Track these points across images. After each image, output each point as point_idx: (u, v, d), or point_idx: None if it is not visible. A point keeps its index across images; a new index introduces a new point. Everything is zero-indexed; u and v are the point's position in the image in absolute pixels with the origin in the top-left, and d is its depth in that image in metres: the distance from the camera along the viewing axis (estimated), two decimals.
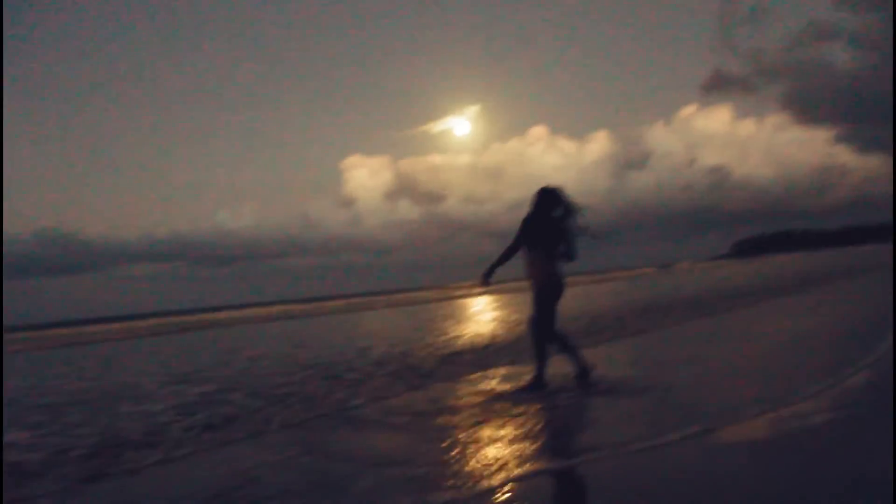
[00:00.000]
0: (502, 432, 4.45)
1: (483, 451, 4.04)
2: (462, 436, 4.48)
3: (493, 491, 3.32)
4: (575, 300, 21.38)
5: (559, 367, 6.09)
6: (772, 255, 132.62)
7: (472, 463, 3.82)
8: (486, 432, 4.51)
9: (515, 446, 4.09)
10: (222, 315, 47.75)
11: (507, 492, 3.30)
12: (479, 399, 5.67)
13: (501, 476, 3.53)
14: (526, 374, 6.26)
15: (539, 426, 4.62)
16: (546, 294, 5.74)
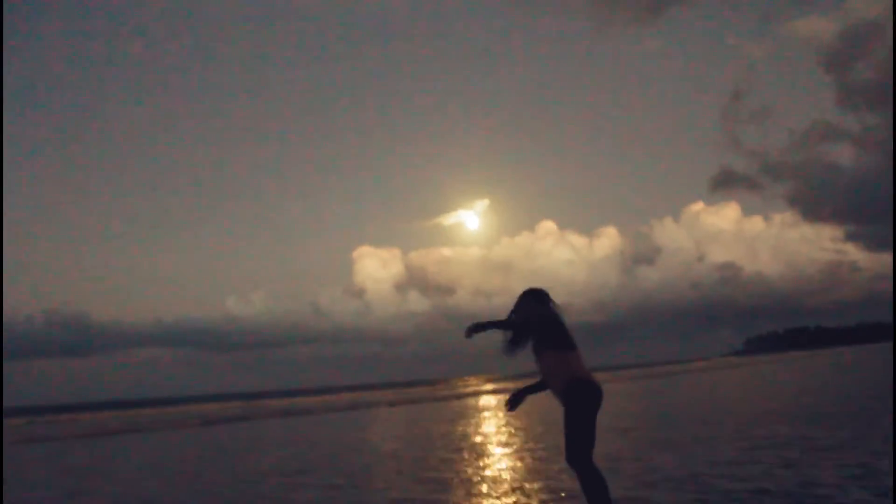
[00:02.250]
0: None
1: None
2: None
3: None
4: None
5: None
6: (784, 352, 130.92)
7: None
8: None
9: None
10: (226, 405, 47.14)
11: None
12: None
13: None
14: None
15: None
16: (590, 403, 4.45)
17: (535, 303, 4.84)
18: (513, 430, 11.81)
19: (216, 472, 9.29)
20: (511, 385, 47.37)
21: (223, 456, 11.78)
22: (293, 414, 26.27)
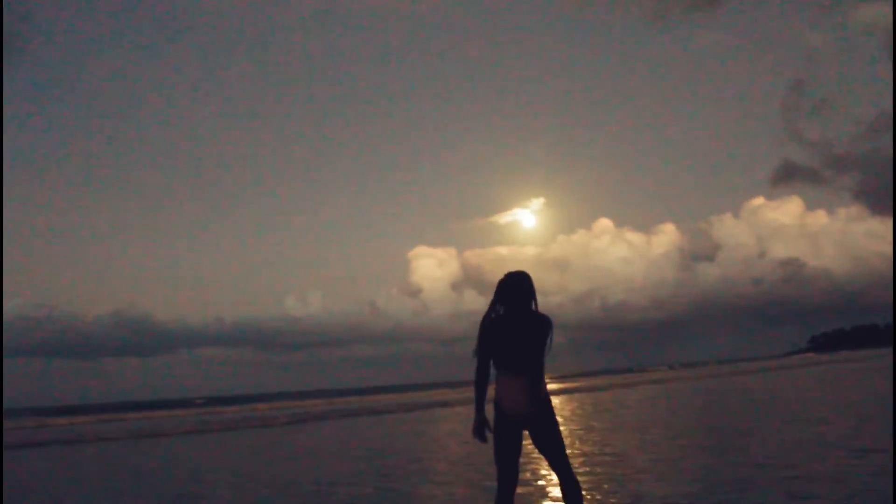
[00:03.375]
0: None
1: None
2: None
3: None
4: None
5: None
6: (852, 350, 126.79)
7: None
8: None
9: None
10: (301, 403, 48.27)
11: None
12: None
13: None
14: None
15: None
16: (496, 425, 4.29)
17: (530, 296, 4.37)
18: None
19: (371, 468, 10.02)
20: (562, 383, 47.49)
21: (355, 450, 12.52)
22: (372, 412, 27.09)
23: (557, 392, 34.94)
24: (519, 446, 4.18)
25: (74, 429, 29.89)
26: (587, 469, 7.82)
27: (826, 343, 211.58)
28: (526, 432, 4.24)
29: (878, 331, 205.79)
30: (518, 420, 4.16)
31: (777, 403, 15.88)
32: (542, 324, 4.28)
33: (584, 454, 9.15)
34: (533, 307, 4.33)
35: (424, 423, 19.75)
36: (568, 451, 4.21)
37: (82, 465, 14.27)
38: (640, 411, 16.70)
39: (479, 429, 4.16)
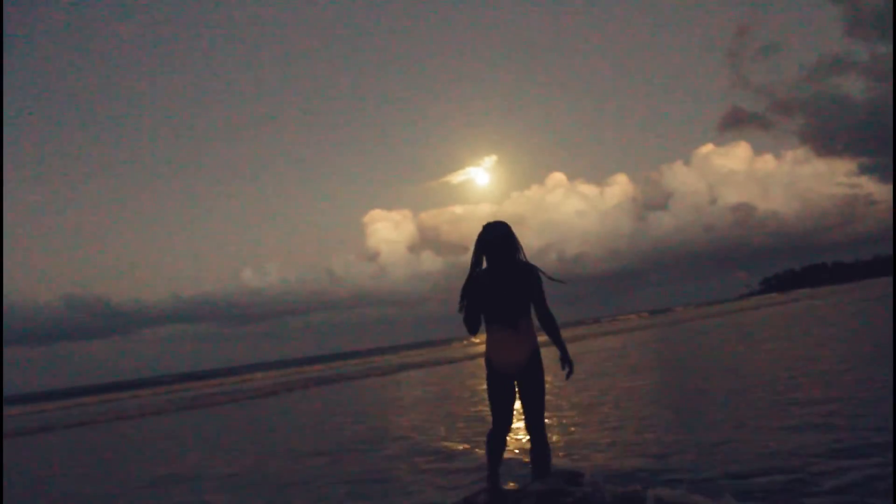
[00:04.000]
0: None
1: None
2: None
3: None
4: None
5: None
6: (802, 289, 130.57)
7: None
8: None
9: None
10: (267, 375, 47.70)
11: None
12: None
13: None
14: None
15: None
16: (488, 377, 4.42)
17: (514, 243, 4.29)
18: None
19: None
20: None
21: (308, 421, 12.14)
22: (337, 381, 26.72)
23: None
24: (512, 397, 4.26)
25: (39, 416, 29.00)
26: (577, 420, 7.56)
27: (778, 284, 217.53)
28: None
29: (827, 269, 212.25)
30: (509, 373, 4.19)
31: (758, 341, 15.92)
32: (529, 274, 4.17)
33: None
34: (519, 257, 4.22)
35: (405, 384, 19.46)
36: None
37: (56, 452, 13.65)
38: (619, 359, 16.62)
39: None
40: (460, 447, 7.09)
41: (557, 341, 4.27)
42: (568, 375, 4.25)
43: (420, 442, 7.84)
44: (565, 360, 4.27)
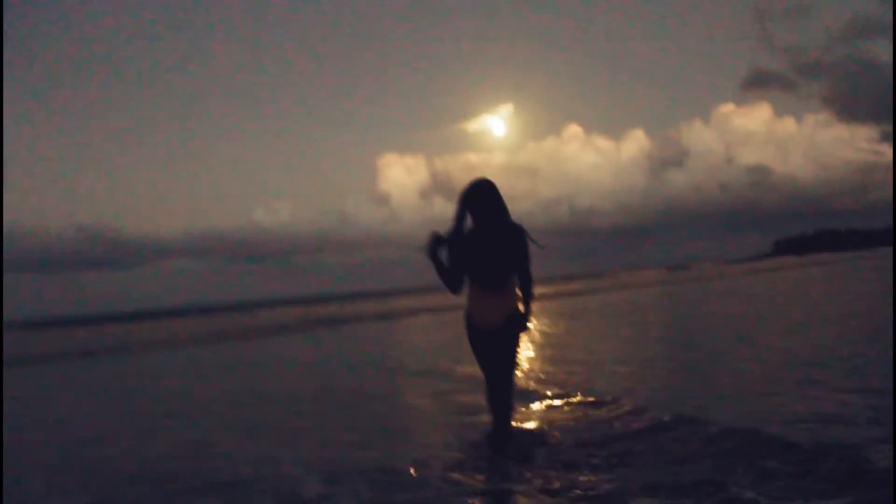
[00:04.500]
0: None
1: None
2: None
3: None
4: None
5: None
6: (813, 254, 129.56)
7: None
8: None
9: None
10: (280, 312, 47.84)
11: None
12: None
13: None
14: None
15: None
16: (468, 334, 4.53)
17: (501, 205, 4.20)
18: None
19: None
20: (539, 289, 47.53)
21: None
22: (347, 321, 26.67)
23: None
24: (495, 353, 4.29)
25: (44, 344, 29.10)
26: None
27: (790, 247, 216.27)
28: None
29: (840, 235, 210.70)
30: (488, 331, 4.25)
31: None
32: (517, 235, 4.15)
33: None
34: (507, 218, 4.15)
35: (422, 329, 19.37)
36: None
37: (58, 383, 13.63)
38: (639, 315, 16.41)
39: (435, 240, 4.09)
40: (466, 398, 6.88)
41: (528, 300, 4.35)
42: (522, 329, 4.33)
43: (431, 389, 7.67)
44: (525, 317, 4.35)
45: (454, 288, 4.24)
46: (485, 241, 4.10)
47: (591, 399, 6.10)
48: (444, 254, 4.15)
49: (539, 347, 10.64)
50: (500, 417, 4.40)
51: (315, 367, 11.55)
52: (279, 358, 14.47)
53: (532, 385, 7.05)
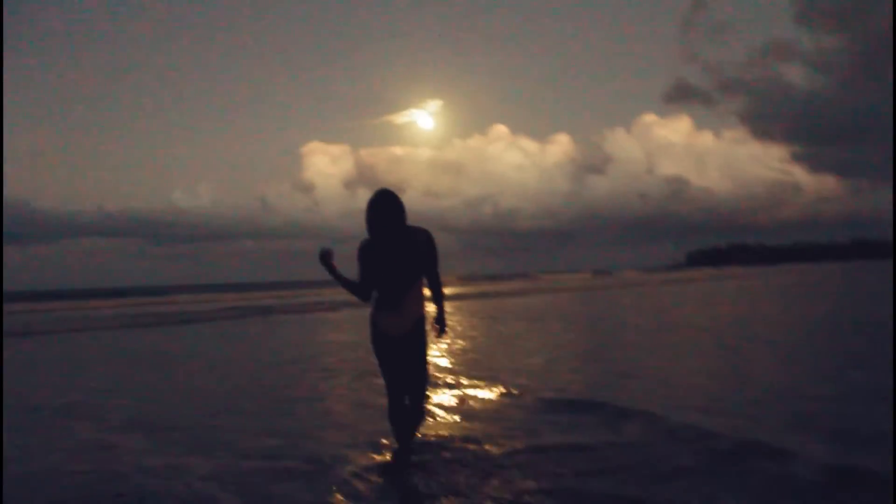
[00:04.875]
0: None
1: None
2: None
3: None
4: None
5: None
6: (724, 266, 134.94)
7: None
8: None
9: None
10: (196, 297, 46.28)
11: None
12: None
13: None
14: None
15: None
16: (373, 342, 4.47)
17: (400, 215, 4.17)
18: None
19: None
20: (462, 288, 47.67)
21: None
22: (266, 312, 25.83)
23: (452, 297, 34.60)
24: (400, 359, 4.29)
25: None
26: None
27: (703, 259, 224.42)
28: None
29: (750, 250, 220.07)
30: (395, 336, 4.23)
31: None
32: (419, 240, 4.18)
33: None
34: (404, 224, 4.13)
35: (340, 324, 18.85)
36: None
37: None
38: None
39: (326, 258, 4.16)
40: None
41: (439, 304, 4.40)
42: (439, 334, 4.46)
43: (336, 394, 7.30)
44: (441, 321, 4.42)
45: (362, 297, 4.30)
46: (387, 250, 4.13)
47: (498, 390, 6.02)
48: (340, 266, 4.22)
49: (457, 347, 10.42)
50: (406, 430, 4.47)
51: (230, 362, 10.97)
52: (190, 349, 13.77)
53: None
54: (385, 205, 4.08)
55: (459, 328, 14.41)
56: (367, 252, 4.17)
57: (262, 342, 14.67)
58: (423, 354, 4.36)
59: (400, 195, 4.13)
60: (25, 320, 24.86)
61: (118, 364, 11.36)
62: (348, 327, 17.18)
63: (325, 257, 4.16)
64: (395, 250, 4.13)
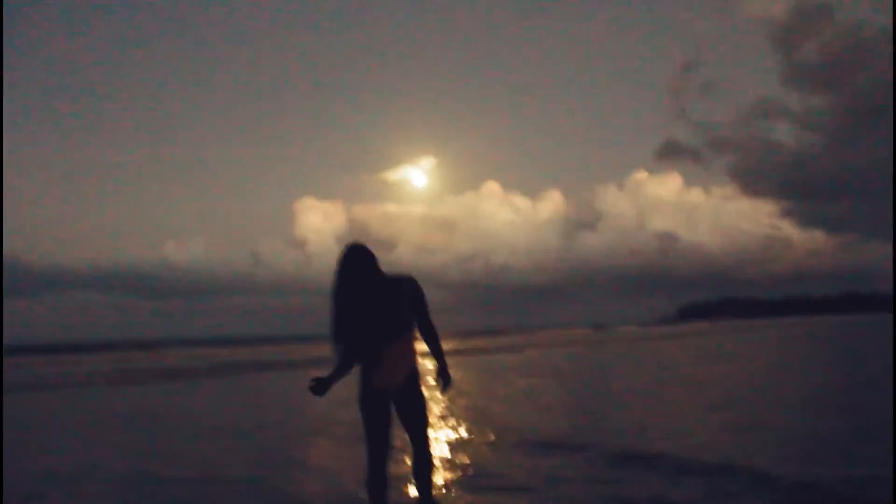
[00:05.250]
0: None
1: None
2: None
3: None
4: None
5: None
6: (717, 320, 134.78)
7: None
8: None
9: None
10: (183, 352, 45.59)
11: None
12: None
13: None
14: None
15: None
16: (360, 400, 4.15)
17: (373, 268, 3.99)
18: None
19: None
20: (450, 344, 47.06)
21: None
22: (260, 367, 25.24)
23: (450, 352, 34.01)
24: (389, 417, 4.02)
25: None
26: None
27: (693, 313, 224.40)
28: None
29: (740, 304, 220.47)
30: (385, 392, 3.97)
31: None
32: (402, 287, 3.94)
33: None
34: (377, 273, 3.93)
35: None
36: None
37: None
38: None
39: (318, 386, 3.91)
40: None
41: (438, 354, 4.08)
42: (444, 388, 4.08)
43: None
44: (443, 373, 4.06)
45: (348, 366, 4.03)
46: (365, 301, 3.87)
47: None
48: (327, 385, 3.95)
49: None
50: (423, 479, 4.10)
51: (212, 421, 10.50)
52: (174, 407, 13.26)
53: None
54: (360, 256, 3.92)
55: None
56: (339, 301, 3.91)
57: (252, 399, 14.18)
58: (424, 405, 4.11)
59: (391, 249, 3.88)
60: (9, 376, 24.07)
61: (97, 423, 10.86)
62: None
63: (319, 388, 3.92)
64: (370, 302, 3.88)
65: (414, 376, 4.02)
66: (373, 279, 3.89)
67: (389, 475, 4.08)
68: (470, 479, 5.55)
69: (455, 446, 7.03)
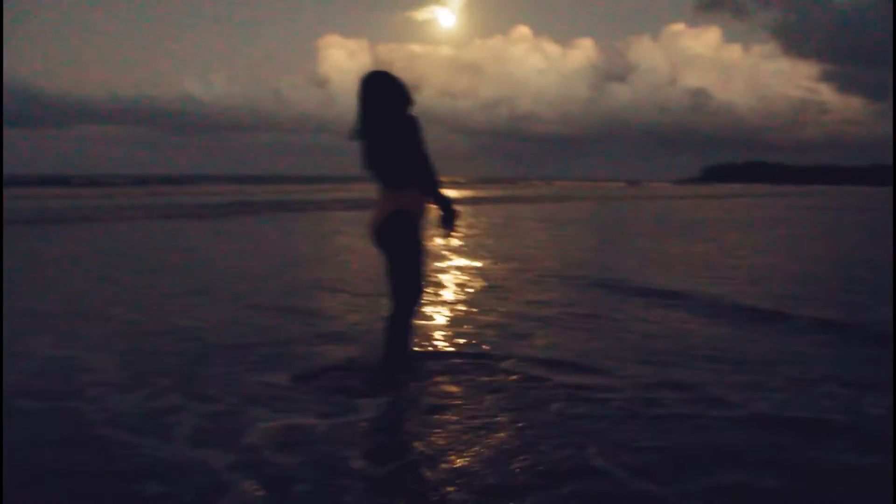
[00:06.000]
0: None
1: None
2: None
3: None
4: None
5: None
6: (742, 183, 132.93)
7: None
8: None
9: None
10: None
11: None
12: None
13: None
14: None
15: None
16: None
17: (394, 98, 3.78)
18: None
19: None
20: (470, 192, 46.44)
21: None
22: (290, 209, 24.85)
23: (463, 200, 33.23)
24: (387, 258, 3.85)
25: None
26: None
27: (716, 175, 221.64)
28: None
29: (767, 168, 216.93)
30: (373, 233, 3.82)
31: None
32: (404, 126, 3.67)
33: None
34: (395, 110, 3.68)
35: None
36: None
37: None
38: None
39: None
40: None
41: (438, 197, 3.79)
42: (447, 233, 3.85)
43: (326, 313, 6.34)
44: (447, 218, 3.83)
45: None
46: (372, 136, 3.73)
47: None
48: None
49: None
50: (390, 340, 3.95)
51: (228, 262, 10.09)
52: (190, 248, 12.92)
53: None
54: (377, 86, 3.75)
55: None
56: (358, 134, 3.82)
57: (273, 240, 13.82)
58: (403, 261, 3.81)
59: (414, 92, 3.74)
60: (33, 206, 23.65)
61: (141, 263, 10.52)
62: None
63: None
64: (379, 135, 3.73)
65: (397, 217, 3.73)
66: (382, 112, 3.72)
67: (411, 326, 3.97)
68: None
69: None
